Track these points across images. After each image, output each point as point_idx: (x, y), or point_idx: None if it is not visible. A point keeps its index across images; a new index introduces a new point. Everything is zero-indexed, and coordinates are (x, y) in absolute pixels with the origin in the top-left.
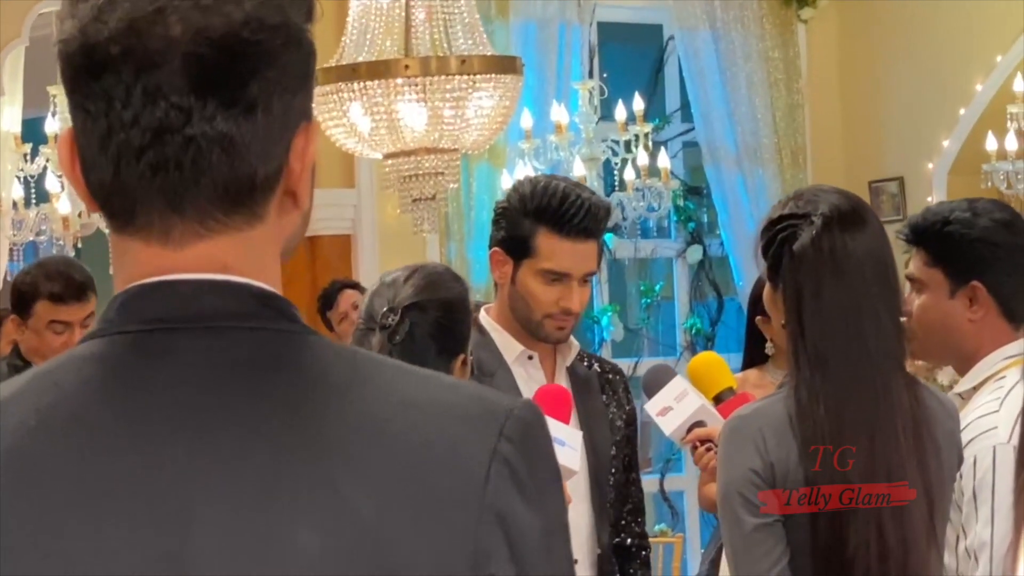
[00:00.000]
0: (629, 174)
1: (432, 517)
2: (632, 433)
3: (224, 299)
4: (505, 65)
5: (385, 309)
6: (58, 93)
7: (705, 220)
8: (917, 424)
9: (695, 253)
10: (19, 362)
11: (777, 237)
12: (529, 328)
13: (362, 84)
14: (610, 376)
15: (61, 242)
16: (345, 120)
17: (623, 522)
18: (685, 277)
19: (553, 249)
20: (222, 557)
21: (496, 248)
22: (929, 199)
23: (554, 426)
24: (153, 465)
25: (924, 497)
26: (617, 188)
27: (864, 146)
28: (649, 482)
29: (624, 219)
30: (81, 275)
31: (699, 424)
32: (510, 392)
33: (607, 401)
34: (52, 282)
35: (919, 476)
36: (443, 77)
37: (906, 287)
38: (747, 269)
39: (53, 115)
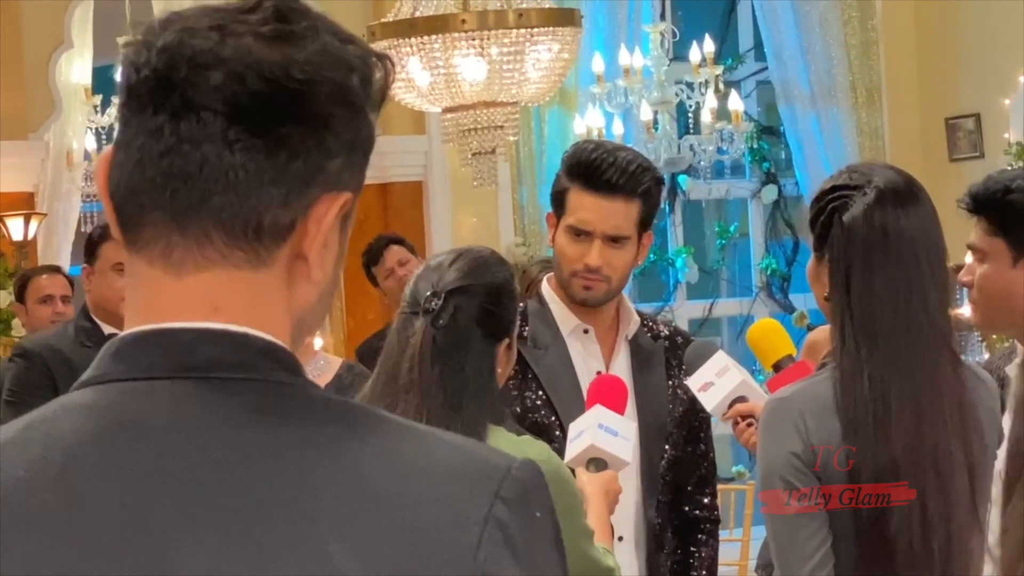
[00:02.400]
0: (704, 116)
1: None
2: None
3: (221, 349)
4: (564, 18)
5: (429, 293)
6: None
7: (783, 157)
8: (963, 405)
9: (770, 193)
10: (87, 323)
11: (827, 207)
12: (564, 289)
13: (420, 39)
14: (682, 346)
15: None
16: (404, 75)
17: (689, 492)
18: (760, 217)
19: (579, 203)
20: None
21: (550, 212)
22: (1006, 135)
23: (608, 417)
24: (141, 518)
25: (967, 477)
26: (692, 130)
27: (940, 83)
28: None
29: (699, 161)
30: None
31: (741, 399)
32: (563, 366)
33: (669, 371)
34: None
35: (963, 456)
36: (501, 31)
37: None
38: None
39: None
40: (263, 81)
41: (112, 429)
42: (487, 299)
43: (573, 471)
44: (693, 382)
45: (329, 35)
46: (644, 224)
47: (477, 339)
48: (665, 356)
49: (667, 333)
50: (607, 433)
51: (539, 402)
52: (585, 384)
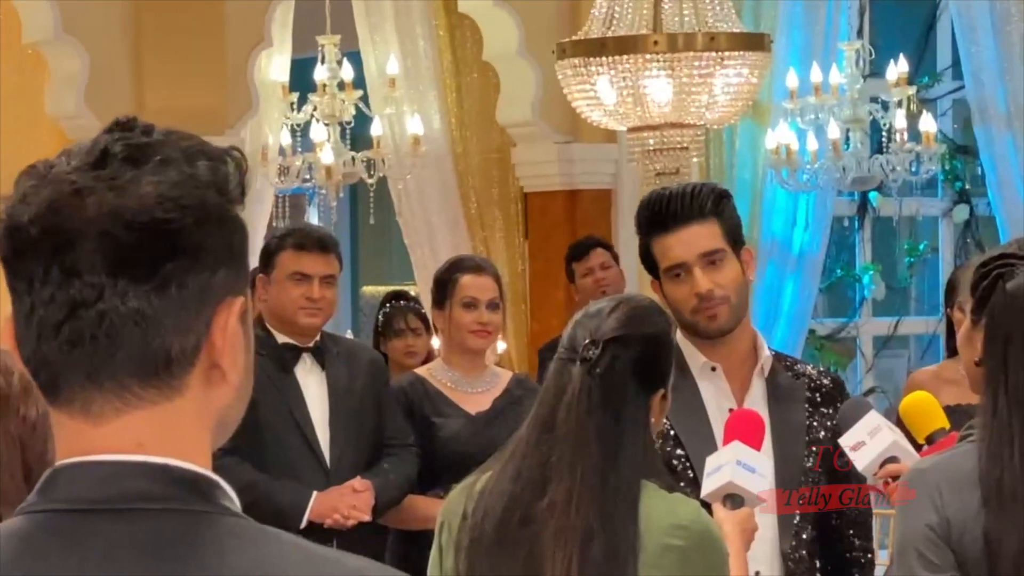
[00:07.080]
0: (896, 137)
1: None
2: None
3: (141, 481)
4: (753, 42)
5: (587, 341)
6: (326, 43)
7: (980, 173)
8: None
9: (961, 213)
10: (261, 332)
11: (992, 273)
12: (693, 332)
13: (610, 58)
14: (825, 388)
15: (323, 191)
16: (592, 92)
17: (840, 532)
18: (951, 236)
19: (662, 247)
20: None
21: (653, 280)
22: None
23: (745, 452)
24: None
25: None
26: (884, 149)
27: None
28: None
29: (894, 181)
30: (325, 235)
31: (892, 460)
32: (693, 404)
33: (811, 411)
34: (295, 235)
35: None
36: (691, 53)
37: None
38: (1015, 230)
39: (322, 62)
40: (132, 232)
41: (32, 560)
42: (645, 349)
43: (708, 505)
44: (845, 441)
45: (178, 159)
46: (734, 239)
47: (633, 389)
48: (810, 395)
49: (810, 378)
50: (745, 470)
51: (669, 440)
52: (716, 423)
